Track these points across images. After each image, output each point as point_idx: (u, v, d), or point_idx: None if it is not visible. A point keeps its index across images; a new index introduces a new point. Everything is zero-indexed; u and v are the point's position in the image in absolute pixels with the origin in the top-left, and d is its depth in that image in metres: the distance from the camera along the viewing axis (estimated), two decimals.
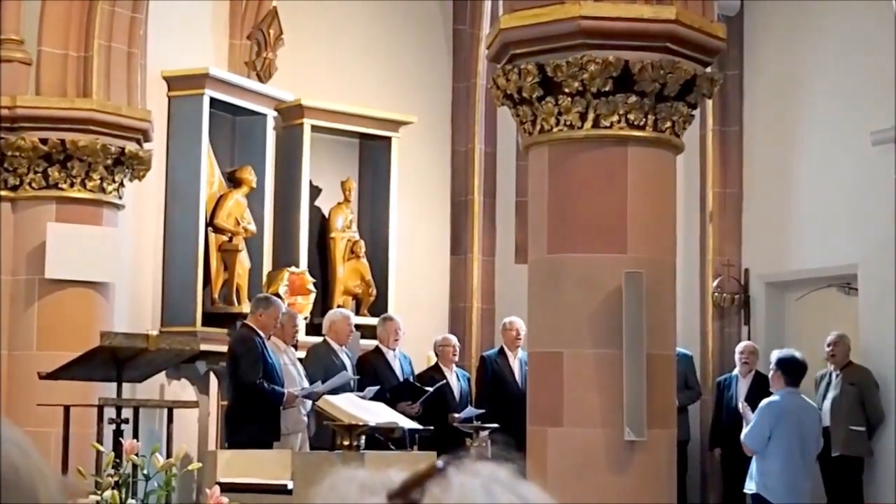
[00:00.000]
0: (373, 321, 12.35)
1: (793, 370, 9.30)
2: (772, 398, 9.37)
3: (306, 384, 10.42)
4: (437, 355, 12.24)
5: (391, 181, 13.29)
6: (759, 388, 11.14)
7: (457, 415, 11.55)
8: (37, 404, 8.65)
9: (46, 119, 9.64)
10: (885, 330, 11.36)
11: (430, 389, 11.18)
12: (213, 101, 11.95)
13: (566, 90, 7.35)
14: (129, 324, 10.71)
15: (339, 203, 13.10)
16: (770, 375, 9.53)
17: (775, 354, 9.58)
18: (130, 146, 9.90)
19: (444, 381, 11.63)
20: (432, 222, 14.01)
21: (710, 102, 12.08)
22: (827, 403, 11.52)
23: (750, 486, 9.40)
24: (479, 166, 14.16)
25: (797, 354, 9.41)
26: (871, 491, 11.50)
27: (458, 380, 12.18)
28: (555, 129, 7.44)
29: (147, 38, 10.69)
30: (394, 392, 10.94)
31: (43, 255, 9.50)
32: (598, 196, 7.38)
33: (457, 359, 12.37)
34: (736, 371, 12.30)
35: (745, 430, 9.41)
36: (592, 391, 7.29)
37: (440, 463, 1.14)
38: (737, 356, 12.34)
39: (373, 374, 11.23)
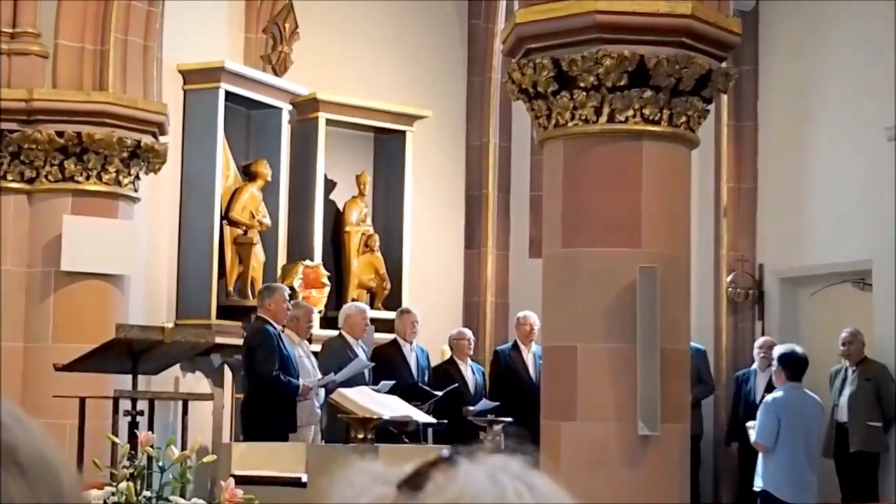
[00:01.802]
0: (387, 315, 12.37)
1: (794, 365, 9.32)
2: (775, 394, 9.41)
3: (320, 376, 10.44)
4: (451, 349, 12.26)
5: (406, 175, 13.30)
6: None
7: (471, 408, 11.56)
8: (52, 396, 8.66)
9: (63, 112, 9.67)
10: None
11: (440, 394, 11.16)
12: (228, 94, 11.98)
13: (581, 85, 7.36)
14: (144, 316, 10.75)
15: (353, 197, 13.12)
16: (773, 371, 9.54)
17: (776, 350, 9.60)
18: (146, 139, 9.92)
19: (456, 385, 11.60)
20: (446, 216, 14.02)
21: (724, 97, 12.06)
22: (844, 399, 11.50)
23: (758, 483, 9.41)
24: (494, 161, 14.16)
25: (798, 349, 9.43)
26: (886, 487, 11.49)
27: (473, 373, 12.20)
28: (570, 124, 7.45)
29: (163, 32, 10.71)
30: (404, 393, 10.92)
31: (59, 248, 9.53)
32: (612, 191, 7.38)
33: (472, 352, 12.38)
34: (754, 366, 12.29)
35: (753, 432, 9.43)
36: (606, 385, 7.29)
37: (445, 452, 1.15)
38: (755, 351, 12.32)
39: (387, 366, 11.24)
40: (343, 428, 9.83)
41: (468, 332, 12.50)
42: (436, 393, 11.16)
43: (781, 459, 9.15)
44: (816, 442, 9.48)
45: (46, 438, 1.16)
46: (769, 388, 11.52)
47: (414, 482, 1.12)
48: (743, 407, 12.14)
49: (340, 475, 1.15)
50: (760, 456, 9.36)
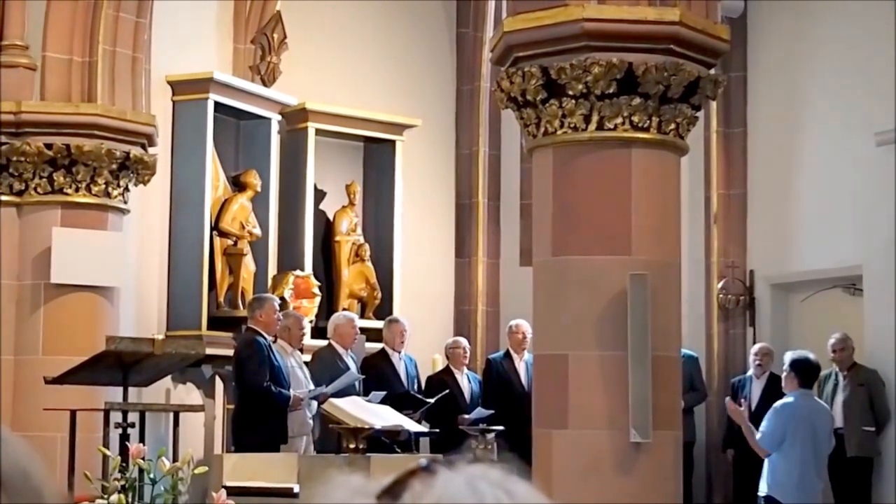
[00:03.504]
0: (378, 324, 12.35)
1: (806, 372, 9.26)
2: (785, 400, 9.33)
3: (312, 387, 10.43)
4: (447, 358, 12.25)
5: (395, 184, 13.30)
6: (774, 389, 11.09)
7: (466, 416, 11.56)
8: (43, 409, 8.65)
9: (51, 124, 9.65)
10: (889, 330, 11.35)
11: (431, 401, 11.15)
12: (217, 105, 11.97)
13: (570, 92, 7.36)
14: (134, 328, 10.73)
15: (343, 206, 13.11)
16: (783, 377, 9.49)
17: (789, 356, 9.53)
18: (135, 151, 9.91)
19: (447, 391, 11.59)
20: (437, 225, 14.02)
21: (714, 104, 12.08)
22: (838, 405, 11.50)
23: (762, 489, 9.36)
24: (484, 169, 14.17)
25: (811, 356, 9.37)
26: (879, 491, 11.50)
27: (469, 382, 12.19)
28: (559, 132, 7.44)
29: (151, 43, 10.70)
30: (395, 402, 10.91)
31: (48, 260, 9.51)
32: (602, 198, 7.38)
33: (467, 361, 12.37)
34: (750, 372, 12.28)
35: (757, 434, 9.36)
36: (598, 393, 7.29)
37: (423, 461, 1.16)
38: (751, 358, 12.31)
39: (376, 375, 11.23)
40: (335, 438, 9.82)
41: (463, 341, 12.49)
42: (427, 400, 11.16)
43: (790, 465, 9.11)
44: (825, 448, 9.44)
45: (29, 455, 1.16)
46: (765, 394, 11.52)
47: (392, 491, 1.13)
48: None
49: (321, 489, 1.15)
50: (767, 462, 9.31)
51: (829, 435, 9.54)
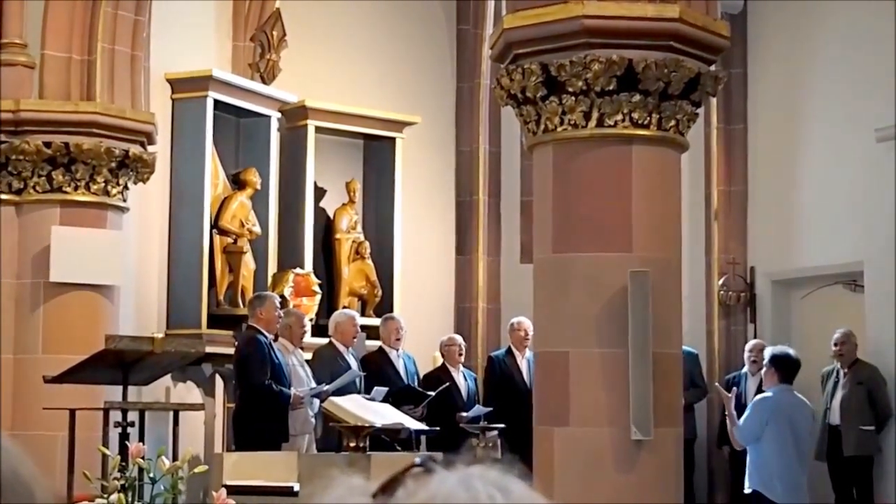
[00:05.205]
0: (379, 322, 12.35)
1: (787, 367, 9.25)
2: (764, 394, 9.34)
3: (314, 385, 10.43)
4: (443, 356, 12.24)
5: (396, 182, 13.29)
6: None
7: (464, 414, 11.55)
8: (42, 408, 8.65)
9: (50, 122, 9.64)
10: (890, 327, 11.33)
11: (432, 394, 11.15)
12: (216, 103, 11.95)
13: (570, 89, 7.34)
14: (134, 327, 10.72)
15: (343, 204, 13.11)
16: (763, 372, 9.47)
17: (769, 351, 9.54)
18: (134, 149, 9.90)
19: (447, 384, 11.59)
20: (437, 223, 14.01)
21: (714, 100, 12.07)
22: (836, 403, 11.48)
23: (748, 485, 9.37)
24: (484, 166, 14.16)
25: (791, 352, 9.37)
26: (881, 489, 11.47)
27: (465, 380, 12.18)
28: (559, 129, 7.43)
29: (150, 41, 10.69)
30: (396, 396, 10.92)
31: (48, 259, 9.50)
32: (602, 195, 7.37)
33: (463, 359, 12.36)
34: (745, 369, 12.27)
35: (736, 424, 9.36)
36: (599, 390, 7.28)
37: (418, 459, 1.16)
38: (746, 354, 12.30)
39: (376, 374, 11.22)
40: (336, 437, 9.81)
41: (459, 339, 12.48)
42: (429, 393, 11.16)
43: (772, 461, 9.11)
44: (806, 444, 9.44)
45: (19, 454, 1.16)
46: (759, 391, 11.50)
47: (387, 489, 1.13)
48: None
49: (321, 488, 1.16)
50: (749, 458, 9.31)
51: (810, 430, 9.53)
